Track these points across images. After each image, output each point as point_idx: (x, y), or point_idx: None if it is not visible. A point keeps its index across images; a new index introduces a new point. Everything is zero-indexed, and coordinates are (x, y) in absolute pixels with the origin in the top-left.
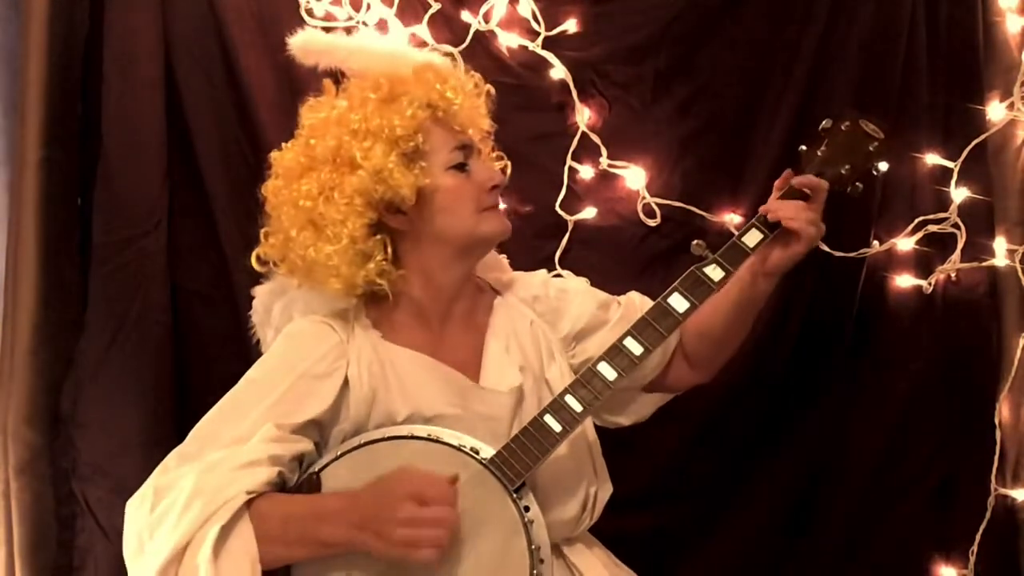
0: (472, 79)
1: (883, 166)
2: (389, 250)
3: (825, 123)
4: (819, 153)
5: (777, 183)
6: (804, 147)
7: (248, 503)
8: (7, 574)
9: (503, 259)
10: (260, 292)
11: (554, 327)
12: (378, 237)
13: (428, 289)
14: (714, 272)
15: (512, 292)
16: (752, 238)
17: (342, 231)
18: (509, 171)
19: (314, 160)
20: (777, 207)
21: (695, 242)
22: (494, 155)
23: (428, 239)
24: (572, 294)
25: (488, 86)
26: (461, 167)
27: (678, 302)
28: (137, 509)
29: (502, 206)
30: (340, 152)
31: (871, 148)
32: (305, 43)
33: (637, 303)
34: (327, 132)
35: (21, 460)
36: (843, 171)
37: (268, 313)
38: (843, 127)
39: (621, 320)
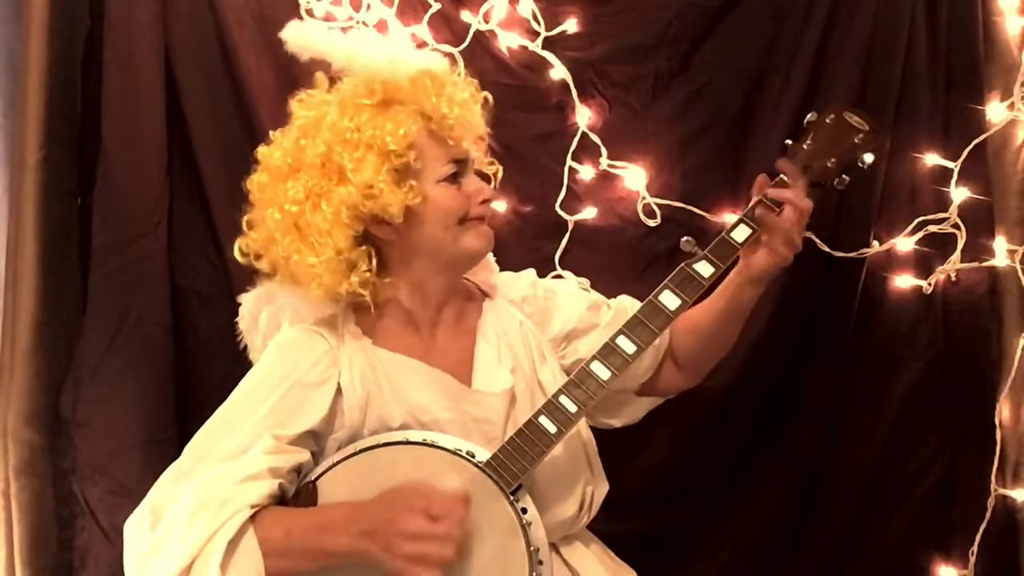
0: (470, 85)
1: (868, 158)
2: (374, 261)
3: (810, 116)
4: (805, 147)
5: (756, 186)
6: (790, 141)
7: (252, 517)
8: (7, 574)
9: (490, 259)
10: (247, 299)
11: (543, 328)
12: (363, 248)
13: (416, 297)
14: (704, 268)
15: (500, 294)
16: (740, 233)
17: (327, 241)
18: (500, 175)
19: (302, 163)
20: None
21: (684, 238)
22: (487, 160)
23: (415, 250)
24: (561, 295)
25: (486, 93)
26: (452, 179)
27: (669, 299)
28: (136, 529)
29: (503, 206)
30: (330, 159)
31: (856, 140)
32: (301, 38)
33: (628, 307)
34: (318, 135)
35: (21, 460)
36: (829, 164)
37: (255, 320)
38: (828, 120)
39: (612, 323)
